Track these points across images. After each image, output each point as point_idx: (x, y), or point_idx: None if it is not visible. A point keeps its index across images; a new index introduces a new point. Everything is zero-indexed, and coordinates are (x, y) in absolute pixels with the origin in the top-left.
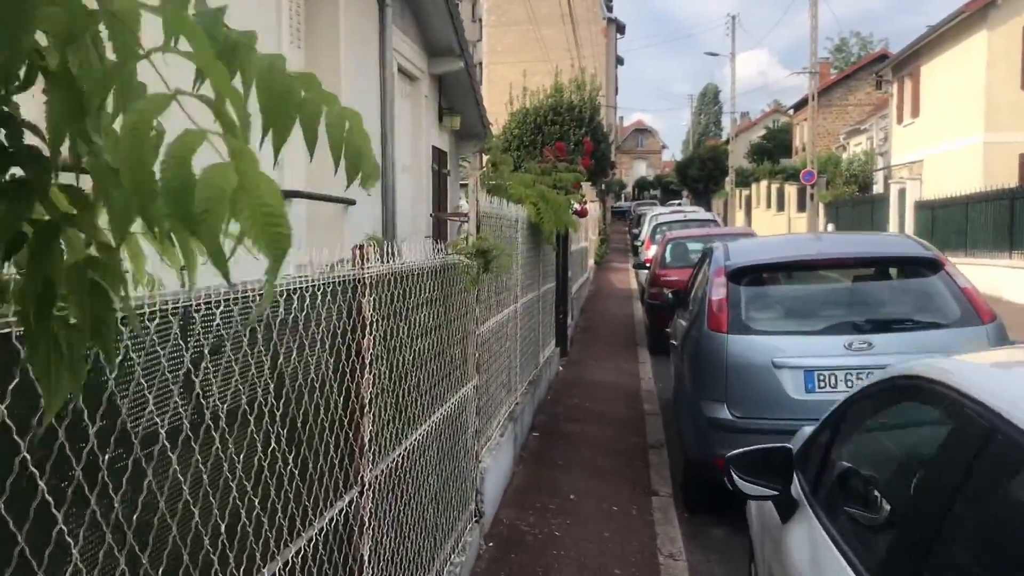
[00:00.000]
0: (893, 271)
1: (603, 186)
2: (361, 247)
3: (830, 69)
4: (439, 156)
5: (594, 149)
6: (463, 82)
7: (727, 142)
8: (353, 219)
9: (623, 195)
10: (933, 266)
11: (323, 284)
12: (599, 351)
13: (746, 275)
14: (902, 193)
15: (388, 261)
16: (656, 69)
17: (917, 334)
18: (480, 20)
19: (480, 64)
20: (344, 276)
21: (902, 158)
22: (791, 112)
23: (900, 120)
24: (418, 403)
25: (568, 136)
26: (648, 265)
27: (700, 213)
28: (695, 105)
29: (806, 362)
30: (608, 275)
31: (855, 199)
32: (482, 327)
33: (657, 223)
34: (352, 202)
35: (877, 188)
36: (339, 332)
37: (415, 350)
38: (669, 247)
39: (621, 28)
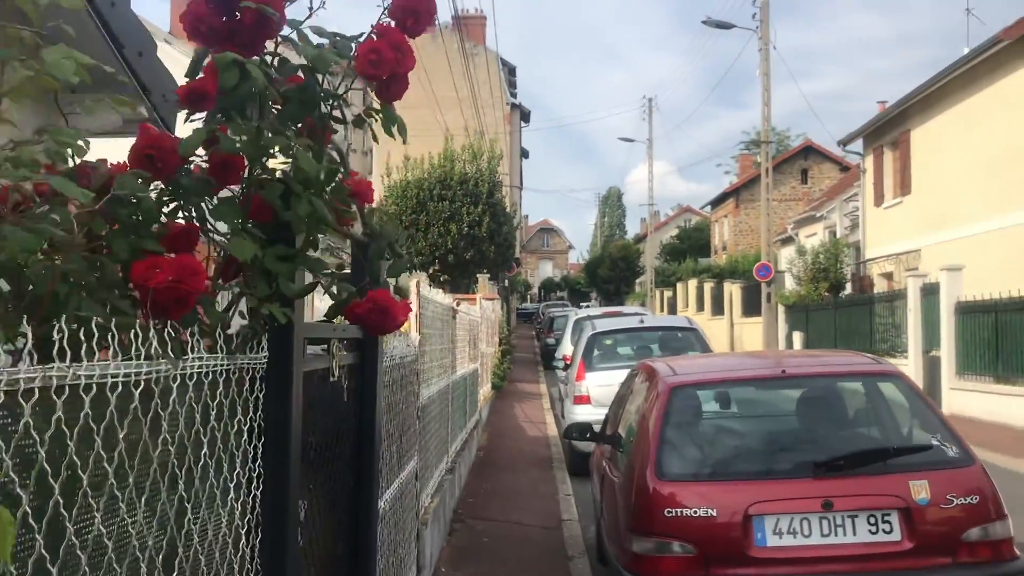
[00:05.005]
0: None
1: (506, 283)
2: None
3: (752, 162)
4: None
5: (497, 218)
6: None
7: (640, 239)
8: None
9: (529, 296)
10: None
11: None
12: None
13: None
14: (928, 290)
15: None
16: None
17: None
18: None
19: (371, 151)
20: None
21: (884, 249)
22: (707, 209)
23: (879, 201)
24: None
25: (461, 215)
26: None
27: (661, 317)
28: (600, 205)
29: None
30: (512, 409)
31: (839, 301)
32: None
33: (594, 333)
34: None
35: (850, 286)
36: None
37: None
38: (673, 406)
39: (526, 116)
